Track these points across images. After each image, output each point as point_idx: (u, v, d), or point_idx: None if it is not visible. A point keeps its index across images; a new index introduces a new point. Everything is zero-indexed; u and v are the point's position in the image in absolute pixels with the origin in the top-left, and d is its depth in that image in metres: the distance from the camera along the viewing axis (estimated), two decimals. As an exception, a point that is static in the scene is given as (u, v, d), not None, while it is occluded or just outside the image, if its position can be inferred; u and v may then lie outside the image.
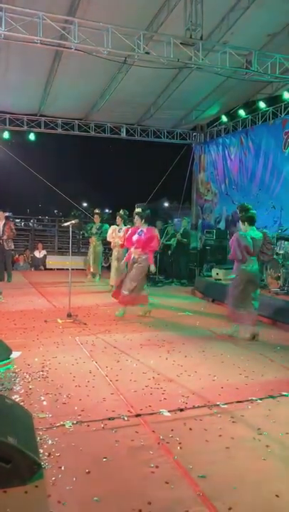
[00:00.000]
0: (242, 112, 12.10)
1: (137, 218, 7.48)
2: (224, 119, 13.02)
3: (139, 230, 7.38)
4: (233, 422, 3.58)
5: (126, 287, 7.15)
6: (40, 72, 10.08)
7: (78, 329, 6.40)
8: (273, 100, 11.21)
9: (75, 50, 7.35)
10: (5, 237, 10.48)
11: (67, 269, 8.28)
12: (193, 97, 11.85)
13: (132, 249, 7.41)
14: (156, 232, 7.51)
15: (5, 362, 4.54)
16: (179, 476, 2.80)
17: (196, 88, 10.99)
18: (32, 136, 13.04)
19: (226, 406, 3.86)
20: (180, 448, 3.13)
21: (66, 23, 7.28)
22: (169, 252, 11.78)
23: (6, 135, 12.89)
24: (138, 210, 8.06)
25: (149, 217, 7.80)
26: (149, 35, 7.87)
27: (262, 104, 11.31)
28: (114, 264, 9.72)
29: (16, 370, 4.52)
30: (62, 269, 11.08)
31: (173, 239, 11.69)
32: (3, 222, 10.79)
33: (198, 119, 13.60)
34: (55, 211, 30.76)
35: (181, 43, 7.53)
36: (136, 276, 7.17)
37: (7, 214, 12.41)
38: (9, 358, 4.62)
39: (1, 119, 12.60)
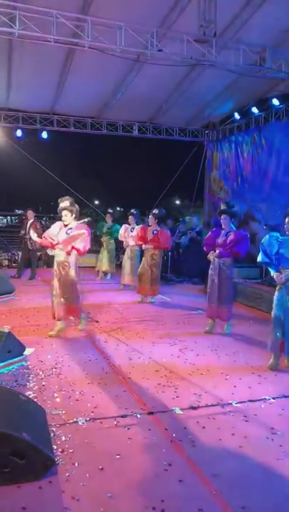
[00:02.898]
0: (255, 110, 11.98)
1: (151, 218, 7.56)
2: (237, 116, 12.91)
3: (153, 229, 7.44)
4: (246, 421, 3.56)
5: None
6: (53, 70, 10.10)
7: (90, 327, 6.42)
8: (287, 97, 11.07)
9: (88, 48, 7.35)
10: (29, 236, 10.53)
11: (79, 267, 8.30)
12: (205, 95, 11.77)
13: (145, 246, 7.59)
14: (168, 232, 7.57)
15: (18, 358, 4.58)
16: (193, 474, 2.80)
17: (208, 85, 10.92)
18: (44, 135, 13.09)
19: (238, 405, 3.85)
20: (193, 446, 3.13)
21: (79, 21, 7.28)
22: (180, 250, 11.75)
23: (19, 133, 12.95)
24: (155, 210, 8.22)
25: (163, 218, 7.98)
26: (162, 33, 7.83)
27: (275, 102, 11.19)
28: (127, 263, 9.74)
29: (30, 367, 4.56)
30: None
31: (183, 237, 11.65)
32: (31, 221, 10.89)
33: (210, 117, 13.50)
34: (67, 209, 30.83)
35: (194, 40, 7.49)
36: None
37: (20, 212, 12.49)
38: (23, 355, 4.66)
39: (15, 118, 12.65)
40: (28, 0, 7.17)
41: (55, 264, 6.00)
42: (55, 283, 5.91)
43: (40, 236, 6.51)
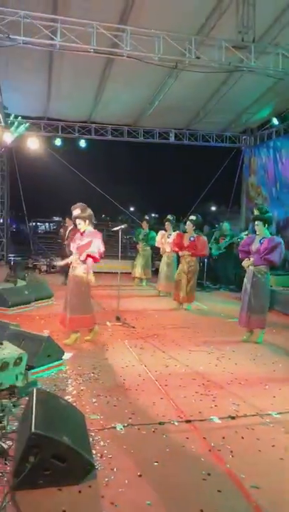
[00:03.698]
0: (294, 114, 11.81)
1: (188, 224, 7.54)
2: (275, 121, 12.74)
3: (190, 236, 7.43)
4: (287, 432, 3.48)
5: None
6: (91, 80, 10.33)
7: (127, 332, 6.46)
8: None
9: (127, 57, 7.47)
10: (68, 243, 10.73)
11: (115, 273, 8.39)
12: (243, 100, 11.69)
13: (182, 252, 7.62)
14: (205, 239, 7.54)
15: (57, 363, 4.65)
16: (232, 485, 2.75)
17: (246, 91, 10.84)
18: (83, 143, 13.35)
19: (278, 416, 3.76)
20: (232, 456, 3.08)
21: (118, 31, 7.42)
22: (213, 257, 11.61)
23: (58, 142, 13.28)
24: (192, 217, 8.19)
25: (200, 225, 7.96)
26: (200, 40, 7.86)
27: (315, 106, 10.99)
28: (163, 269, 9.75)
29: (68, 371, 4.63)
30: (110, 272, 11.22)
31: (216, 245, 11.44)
32: (70, 227, 11.14)
33: (248, 122, 13.40)
34: (103, 216, 31.31)
35: (232, 46, 7.47)
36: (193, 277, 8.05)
37: (58, 219, 12.74)
38: (61, 359, 4.73)
39: (54, 127, 12.99)
40: (69, 12, 7.39)
41: (70, 272, 5.97)
42: (68, 292, 5.89)
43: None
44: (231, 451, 3.14)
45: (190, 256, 8.15)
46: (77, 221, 5.89)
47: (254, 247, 6.09)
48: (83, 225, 5.86)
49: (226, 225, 11.66)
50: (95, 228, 6.04)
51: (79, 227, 5.89)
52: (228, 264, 11.41)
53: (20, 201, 14.76)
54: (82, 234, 5.87)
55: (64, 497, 2.57)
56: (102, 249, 5.84)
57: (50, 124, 12.98)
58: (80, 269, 5.79)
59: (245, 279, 6.25)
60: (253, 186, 14.22)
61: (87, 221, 5.87)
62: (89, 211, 5.95)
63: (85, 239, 5.78)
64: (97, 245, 5.77)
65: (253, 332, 6.23)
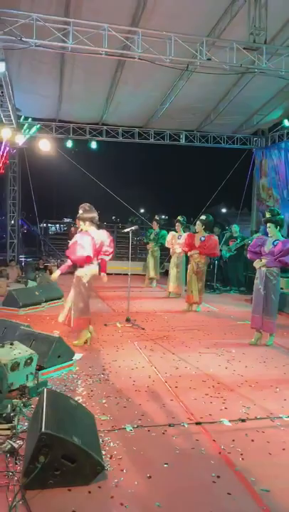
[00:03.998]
0: (305, 116, 11.74)
1: (198, 224, 7.53)
2: (286, 123, 12.66)
3: (200, 236, 7.42)
4: (298, 436, 3.45)
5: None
6: (102, 82, 10.37)
7: (137, 334, 6.46)
8: None
9: (139, 59, 7.48)
10: None
11: (125, 274, 8.40)
12: (254, 102, 11.65)
13: (191, 252, 7.68)
14: (216, 239, 7.51)
15: (68, 363, 4.67)
16: (242, 488, 2.74)
17: (258, 92, 10.81)
18: (94, 145, 13.41)
19: (289, 419, 3.73)
20: (242, 459, 3.06)
21: (130, 33, 7.44)
22: (224, 259, 11.57)
23: (69, 144, 13.36)
24: (202, 217, 8.17)
25: (210, 225, 7.94)
26: (212, 42, 7.85)
27: None
28: (173, 270, 9.75)
29: (78, 372, 4.65)
30: (120, 274, 11.25)
31: (226, 247, 11.39)
32: (80, 229, 11.19)
33: (259, 124, 13.34)
34: (113, 217, 31.40)
35: (244, 48, 7.44)
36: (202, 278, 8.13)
37: (68, 220, 12.79)
38: (72, 360, 4.76)
39: (66, 129, 13.07)
40: (81, 15, 7.43)
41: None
42: (70, 292, 5.92)
43: None
44: (241, 454, 3.13)
45: (199, 256, 8.15)
46: (78, 222, 6.02)
47: (267, 248, 6.06)
48: (82, 226, 5.91)
49: (235, 227, 11.61)
50: (104, 229, 6.08)
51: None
52: (238, 266, 11.35)
53: (32, 202, 14.87)
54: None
55: (74, 497, 2.57)
56: (75, 254, 5.72)
57: (62, 126, 13.05)
58: (78, 270, 5.83)
59: (256, 280, 6.22)
60: (264, 188, 14.15)
61: (87, 222, 5.87)
62: (90, 212, 5.92)
63: (72, 240, 5.88)
64: (74, 248, 5.72)
65: (262, 335, 6.19)
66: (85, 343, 5.74)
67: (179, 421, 3.60)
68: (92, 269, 5.81)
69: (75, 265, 5.84)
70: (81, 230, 5.95)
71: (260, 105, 11.89)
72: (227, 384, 4.51)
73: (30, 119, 12.79)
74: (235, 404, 4.01)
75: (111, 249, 5.96)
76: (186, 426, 3.53)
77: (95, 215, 5.94)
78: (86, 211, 5.91)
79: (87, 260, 5.74)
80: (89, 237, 5.77)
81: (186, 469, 2.94)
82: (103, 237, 5.92)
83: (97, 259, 5.88)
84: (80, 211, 5.94)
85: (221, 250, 10.75)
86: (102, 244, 5.88)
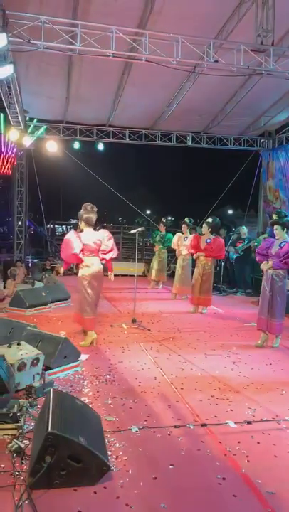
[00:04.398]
0: (313, 117, 11.69)
1: (205, 226, 7.55)
2: (294, 124, 12.64)
3: (206, 238, 7.44)
4: (304, 439, 3.44)
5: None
6: (109, 84, 10.41)
7: (143, 335, 6.47)
8: None
9: (146, 61, 7.50)
10: None
11: (131, 276, 8.42)
12: (262, 103, 11.63)
13: (197, 254, 7.69)
14: (222, 241, 7.52)
15: (74, 364, 4.69)
16: (247, 490, 2.74)
17: (265, 94, 10.79)
18: (100, 146, 13.46)
19: (295, 422, 3.72)
20: (248, 461, 3.06)
21: (137, 35, 7.46)
22: (230, 261, 11.53)
23: (76, 145, 13.41)
24: (209, 219, 8.18)
25: (217, 227, 7.96)
26: (219, 44, 7.85)
27: None
28: (178, 272, 9.74)
29: (84, 373, 4.67)
30: (126, 275, 11.27)
31: (233, 248, 11.35)
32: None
33: (266, 126, 13.31)
34: (120, 218, 31.47)
35: (251, 50, 7.44)
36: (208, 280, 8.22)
37: (75, 221, 12.83)
38: (78, 361, 4.77)
39: (73, 130, 13.12)
40: (88, 17, 7.47)
41: None
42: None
43: None
44: (247, 456, 3.12)
45: (205, 258, 8.15)
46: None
47: (273, 250, 6.05)
48: (206, 230, 7.26)
49: (243, 229, 11.56)
50: (109, 230, 6.15)
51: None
52: (245, 267, 11.31)
53: (39, 203, 14.93)
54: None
55: (79, 497, 2.59)
56: (64, 253, 5.82)
57: (69, 128, 13.11)
58: (79, 271, 5.93)
59: (263, 282, 6.21)
60: (271, 190, 14.10)
61: (82, 222, 5.96)
62: (88, 213, 5.91)
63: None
64: (62, 247, 5.88)
65: (269, 337, 6.17)
66: (92, 343, 5.77)
67: (185, 422, 3.60)
68: (91, 269, 5.85)
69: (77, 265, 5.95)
70: (81, 230, 6.01)
71: (268, 107, 11.87)
72: (233, 386, 4.50)
73: (37, 121, 12.86)
74: (241, 406, 4.00)
75: (109, 247, 5.95)
76: (191, 427, 3.53)
77: (91, 215, 5.95)
78: (86, 211, 5.95)
79: (75, 258, 5.79)
80: (74, 235, 5.83)
81: (192, 471, 2.94)
82: (101, 236, 5.95)
83: (100, 259, 5.95)
84: (81, 210, 5.99)
85: (227, 252, 10.74)
86: (101, 244, 5.92)
